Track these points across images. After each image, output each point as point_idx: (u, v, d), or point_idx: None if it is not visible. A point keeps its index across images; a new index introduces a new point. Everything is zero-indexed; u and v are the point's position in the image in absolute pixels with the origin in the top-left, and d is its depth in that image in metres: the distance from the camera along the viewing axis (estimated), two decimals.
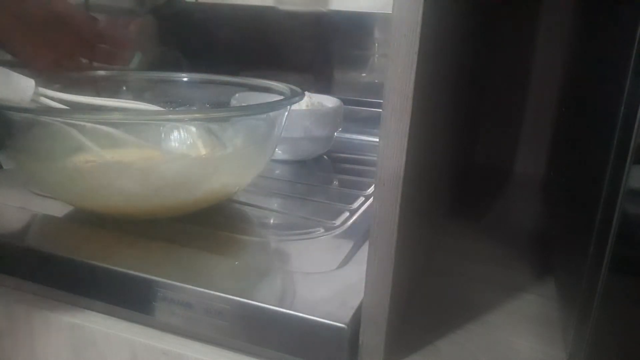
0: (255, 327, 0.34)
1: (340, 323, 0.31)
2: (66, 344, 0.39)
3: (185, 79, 0.61)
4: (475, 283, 0.42)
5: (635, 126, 0.25)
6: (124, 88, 0.59)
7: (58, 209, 0.48)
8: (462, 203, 0.60)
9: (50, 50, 0.51)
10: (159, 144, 0.46)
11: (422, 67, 0.27)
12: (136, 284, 0.36)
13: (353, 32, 0.78)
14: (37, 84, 0.43)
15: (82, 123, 0.41)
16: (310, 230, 0.46)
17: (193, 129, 0.49)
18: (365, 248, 0.31)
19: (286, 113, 0.50)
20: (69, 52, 0.53)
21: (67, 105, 0.44)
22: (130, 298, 0.37)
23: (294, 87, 0.52)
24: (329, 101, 0.67)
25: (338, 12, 0.77)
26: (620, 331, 0.28)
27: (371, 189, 0.55)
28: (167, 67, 0.79)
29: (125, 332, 0.37)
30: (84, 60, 0.56)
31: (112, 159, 0.42)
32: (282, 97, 0.51)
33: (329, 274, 0.38)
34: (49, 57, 0.52)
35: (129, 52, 0.56)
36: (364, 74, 0.80)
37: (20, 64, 0.51)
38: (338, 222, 0.48)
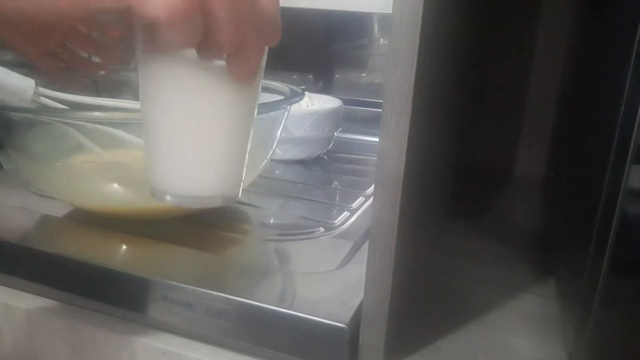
0: (255, 327, 0.34)
1: (340, 323, 0.31)
2: (66, 344, 0.39)
3: None
4: (475, 283, 0.42)
5: (635, 126, 0.25)
6: (124, 88, 0.59)
7: (58, 209, 0.48)
8: (462, 203, 0.60)
9: (40, 38, 0.51)
10: None
11: (422, 67, 0.27)
12: (136, 284, 0.36)
13: (353, 32, 0.78)
14: (37, 84, 0.43)
15: (82, 123, 0.41)
16: (310, 230, 0.46)
17: None
18: (365, 248, 0.31)
19: (286, 113, 0.50)
20: (60, 40, 0.52)
21: (67, 105, 0.44)
22: (130, 298, 0.37)
23: (294, 87, 0.52)
24: (329, 101, 0.67)
25: (338, 12, 0.77)
26: (620, 331, 0.28)
27: (371, 189, 0.55)
28: None
29: (125, 332, 0.37)
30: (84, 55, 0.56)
31: (112, 159, 0.42)
32: (282, 97, 0.51)
33: (329, 274, 0.38)
34: (41, 46, 0.51)
35: (123, 45, 0.55)
36: (364, 74, 0.80)
37: (21, 64, 0.51)
38: (338, 222, 0.48)
